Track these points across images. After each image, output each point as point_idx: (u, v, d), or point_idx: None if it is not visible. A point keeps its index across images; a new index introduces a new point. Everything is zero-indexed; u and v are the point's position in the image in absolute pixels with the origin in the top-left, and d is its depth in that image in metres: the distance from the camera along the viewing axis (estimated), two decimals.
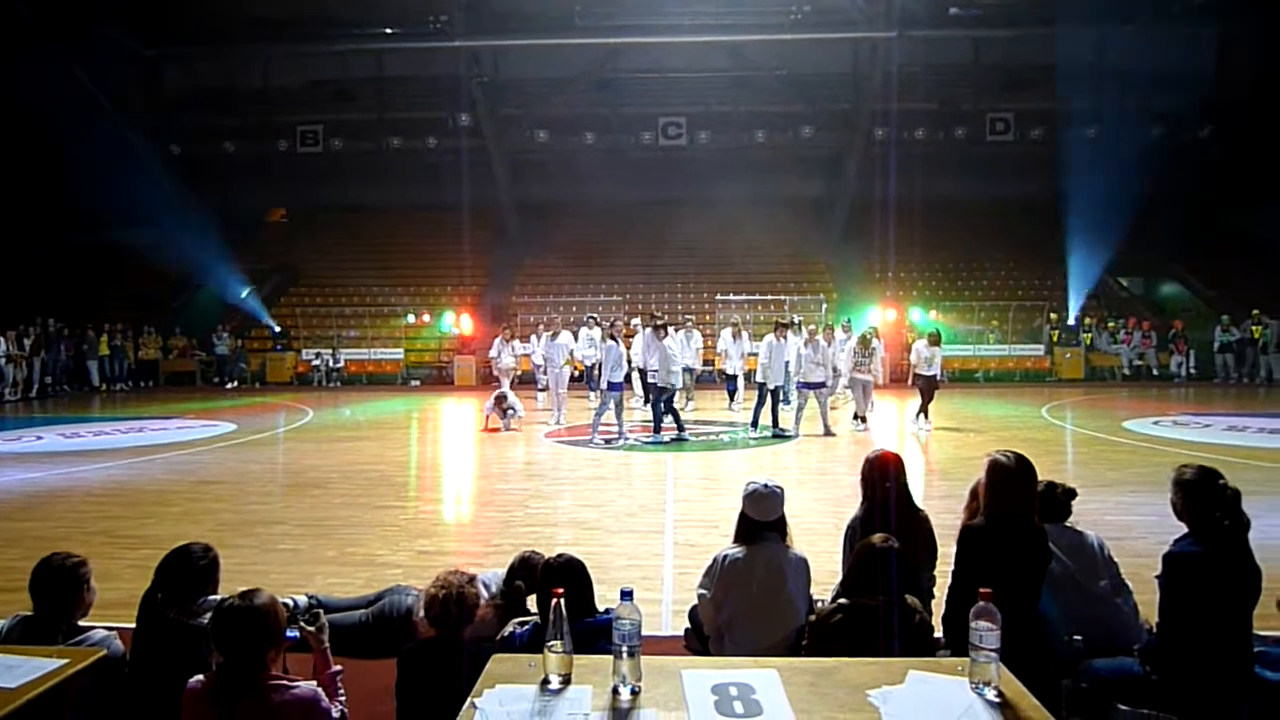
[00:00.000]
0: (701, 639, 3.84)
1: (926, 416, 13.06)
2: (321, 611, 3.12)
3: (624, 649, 2.36)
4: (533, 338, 17.53)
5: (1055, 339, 22.56)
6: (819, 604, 3.56)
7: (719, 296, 23.13)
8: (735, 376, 16.01)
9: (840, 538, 4.07)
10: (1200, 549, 3.07)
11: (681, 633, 4.37)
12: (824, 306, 22.84)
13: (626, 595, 2.39)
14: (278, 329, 24.21)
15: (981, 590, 2.39)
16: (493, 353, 17.32)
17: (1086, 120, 24.95)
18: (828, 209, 27.51)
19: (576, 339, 16.53)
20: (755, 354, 13.54)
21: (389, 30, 23.86)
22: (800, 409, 12.85)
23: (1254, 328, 20.62)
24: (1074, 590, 3.47)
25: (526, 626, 3.28)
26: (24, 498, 8.63)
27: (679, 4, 22.58)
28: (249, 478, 9.72)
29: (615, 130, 26.56)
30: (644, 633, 2.44)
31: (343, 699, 2.85)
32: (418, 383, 22.78)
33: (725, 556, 3.58)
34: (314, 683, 2.66)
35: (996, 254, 26.17)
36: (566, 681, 2.42)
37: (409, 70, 26.74)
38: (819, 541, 5.61)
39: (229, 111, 26.64)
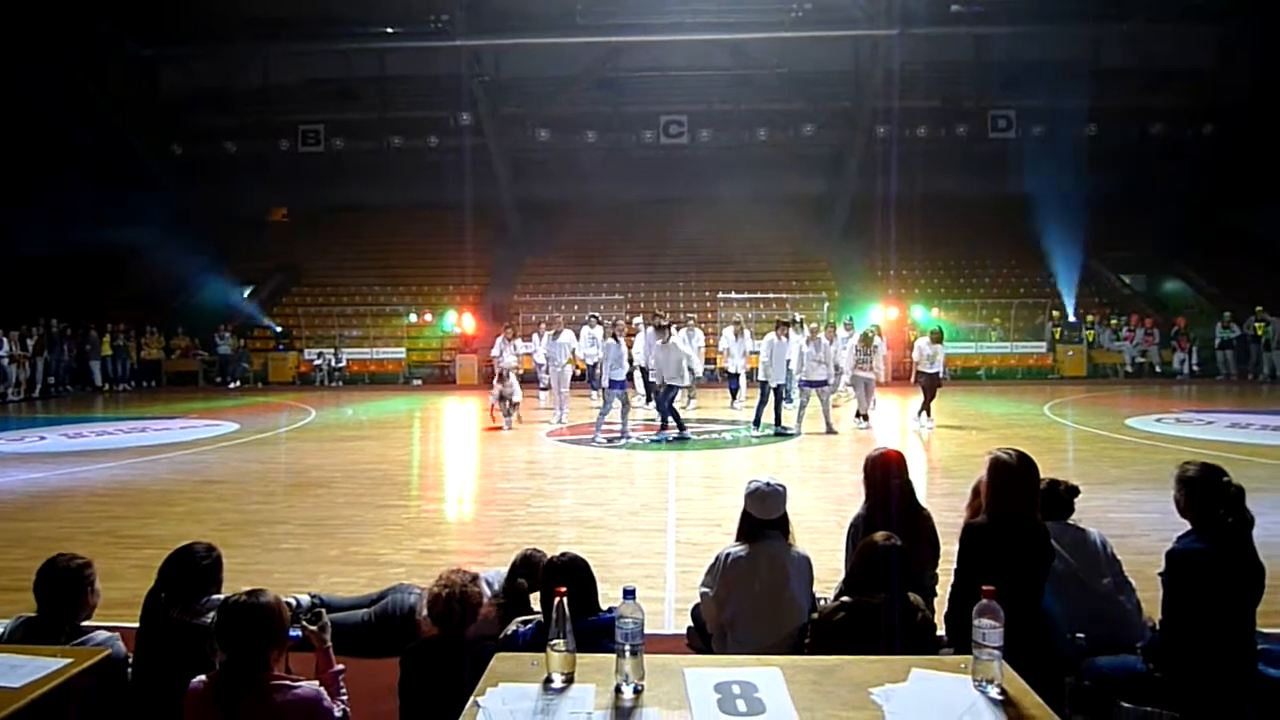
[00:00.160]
0: (704, 637, 3.84)
1: (929, 414, 13.06)
2: (324, 611, 3.12)
3: (627, 647, 2.36)
4: (534, 336, 17.52)
5: (1057, 336, 22.55)
6: (821, 602, 3.56)
7: (720, 295, 23.14)
8: (737, 375, 16.01)
9: (842, 536, 4.06)
10: (1203, 546, 3.07)
11: (684, 631, 4.37)
12: (825, 304, 22.85)
13: (629, 594, 2.39)
14: (278, 329, 24.22)
15: (984, 588, 2.39)
16: (494, 351, 17.30)
17: (1088, 118, 24.95)
18: (829, 207, 27.49)
19: (578, 338, 16.54)
20: (757, 352, 13.54)
21: (390, 29, 23.82)
22: (802, 407, 12.84)
23: (1256, 325, 20.59)
24: (1077, 588, 3.47)
25: (529, 625, 3.29)
26: (27, 498, 8.64)
27: (680, 2, 22.55)
28: (252, 477, 9.73)
29: (617, 129, 26.54)
30: (647, 631, 2.44)
31: (345, 698, 2.85)
32: (420, 382, 22.80)
33: (728, 555, 3.58)
34: (316, 682, 2.66)
35: (998, 251, 26.14)
36: (569, 680, 2.42)
37: (410, 69, 26.72)
38: (821, 540, 5.61)
39: (229, 111, 26.65)
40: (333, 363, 22.57)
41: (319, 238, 28.45)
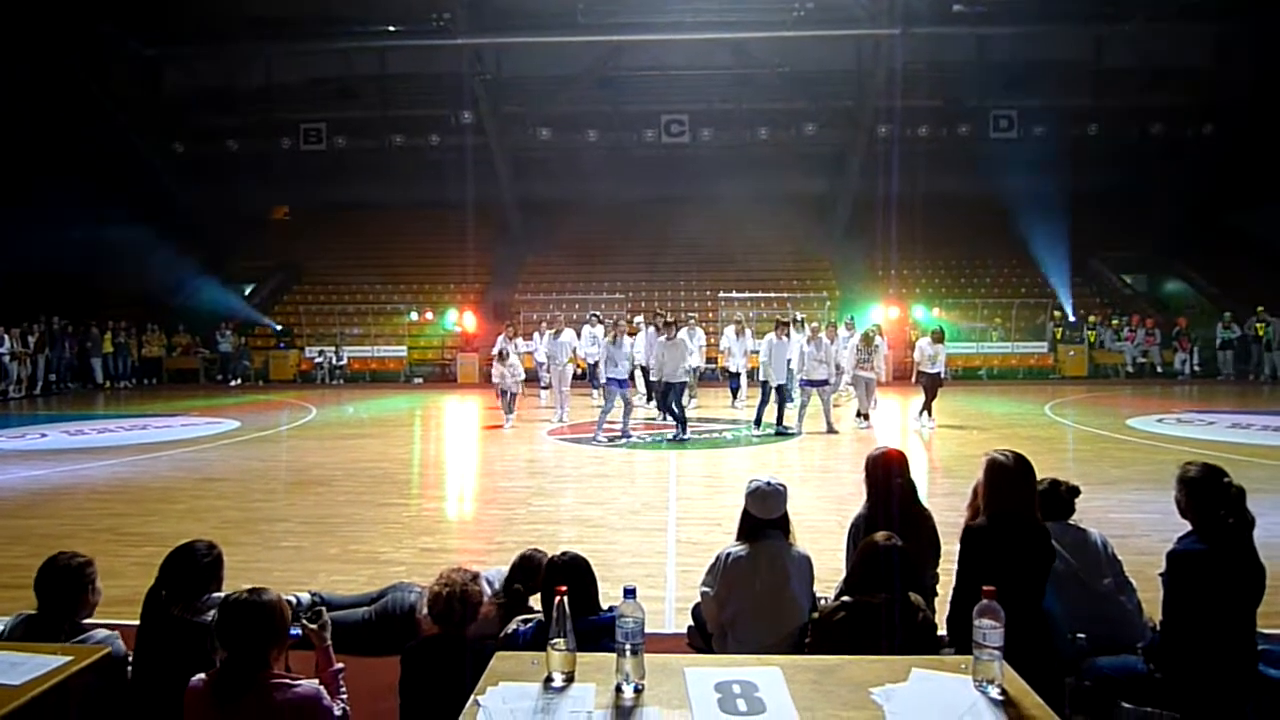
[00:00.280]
0: (704, 637, 3.84)
1: (930, 414, 13.06)
2: (324, 609, 3.12)
3: (627, 647, 2.36)
4: (535, 335, 17.52)
5: (1059, 336, 22.54)
6: (822, 602, 3.56)
7: (722, 294, 23.14)
8: (738, 374, 16.00)
9: (843, 535, 4.06)
10: (1204, 547, 3.07)
11: (684, 630, 4.37)
12: (827, 304, 22.85)
13: (629, 593, 2.39)
14: (278, 328, 24.23)
15: (985, 588, 2.39)
16: (495, 350, 17.29)
17: (1088, 117, 24.94)
18: (830, 206, 27.47)
19: (579, 337, 16.54)
20: (758, 352, 13.54)
21: (391, 28, 23.80)
22: (803, 406, 12.84)
23: (1257, 325, 20.58)
24: (1077, 588, 3.47)
25: (530, 624, 3.28)
26: (28, 495, 8.65)
27: (682, 1, 22.53)
28: (252, 475, 9.73)
29: (618, 128, 26.53)
30: (647, 630, 2.44)
31: (345, 697, 2.85)
32: (421, 380, 22.81)
33: (728, 554, 3.58)
34: (316, 681, 2.67)
35: (1000, 251, 26.12)
36: (570, 679, 2.42)
37: (412, 68, 26.70)
38: (822, 539, 5.61)
39: (231, 110, 26.64)
40: (334, 361, 22.57)
41: (321, 236, 28.45)
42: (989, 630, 2.36)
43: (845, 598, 3.17)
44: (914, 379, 13.74)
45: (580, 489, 8.82)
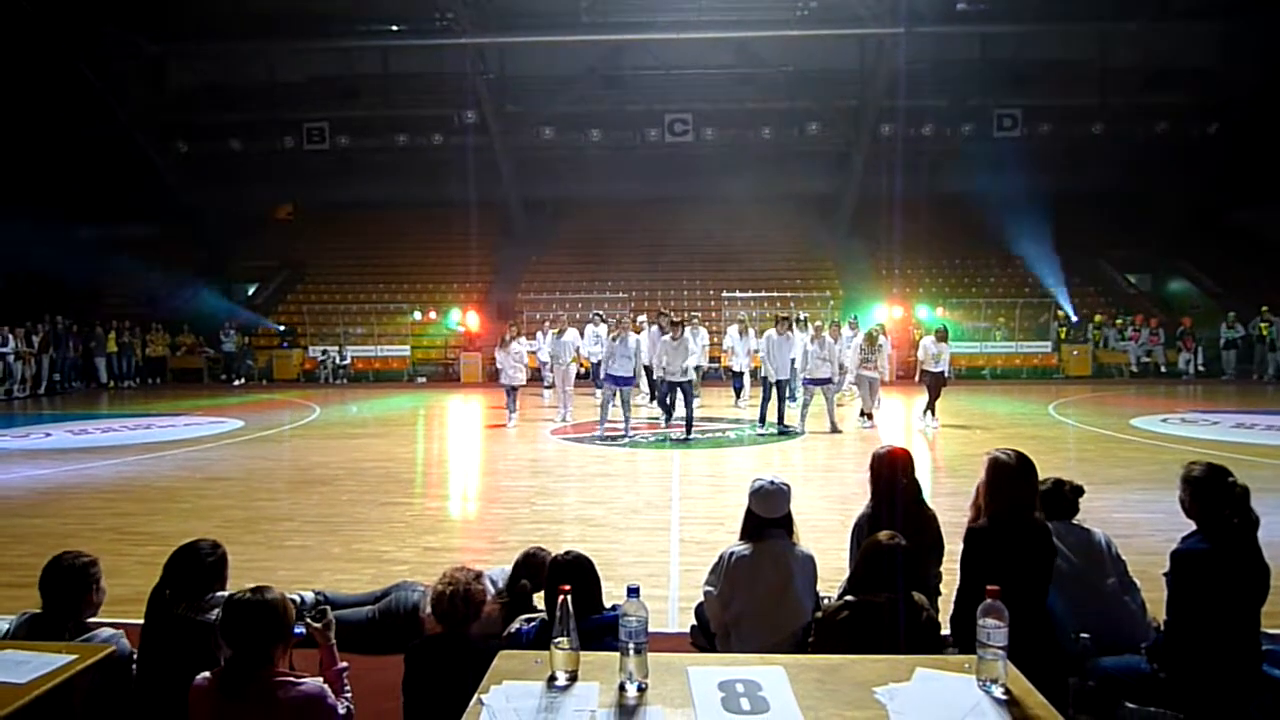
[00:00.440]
0: (708, 636, 3.85)
1: (933, 413, 13.04)
2: (328, 608, 3.12)
3: (630, 646, 2.36)
4: (539, 335, 17.53)
5: (1063, 336, 22.50)
6: (825, 601, 3.56)
7: (725, 293, 23.14)
8: (741, 374, 16.00)
9: (846, 534, 4.06)
10: (1208, 546, 3.06)
11: (688, 630, 4.37)
12: (830, 303, 22.83)
13: (633, 592, 2.39)
14: (281, 328, 24.26)
15: (989, 587, 2.39)
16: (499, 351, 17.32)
17: (1093, 117, 24.89)
18: (834, 205, 27.43)
19: (583, 336, 16.54)
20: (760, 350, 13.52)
21: (395, 27, 23.82)
22: (806, 405, 12.83)
23: (1262, 325, 20.53)
24: (1081, 588, 3.46)
25: (533, 623, 3.29)
26: (33, 494, 8.67)
27: (685, 0, 22.54)
28: (256, 474, 9.74)
29: (621, 127, 26.50)
30: (650, 629, 2.44)
31: (349, 695, 2.85)
32: (424, 380, 22.83)
33: (732, 554, 3.58)
34: (320, 679, 2.67)
35: (1003, 250, 26.07)
36: (573, 678, 2.42)
37: (415, 67, 26.70)
38: (825, 538, 5.60)
39: (235, 108, 26.65)
40: (337, 360, 22.59)
41: (324, 235, 28.49)
42: (993, 630, 2.35)
43: (849, 597, 3.18)
44: (917, 378, 13.73)
45: (583, 488, 8.82)
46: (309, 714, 2.52)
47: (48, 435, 13.08)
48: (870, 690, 2.37)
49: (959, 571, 3.29)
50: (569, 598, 2.43)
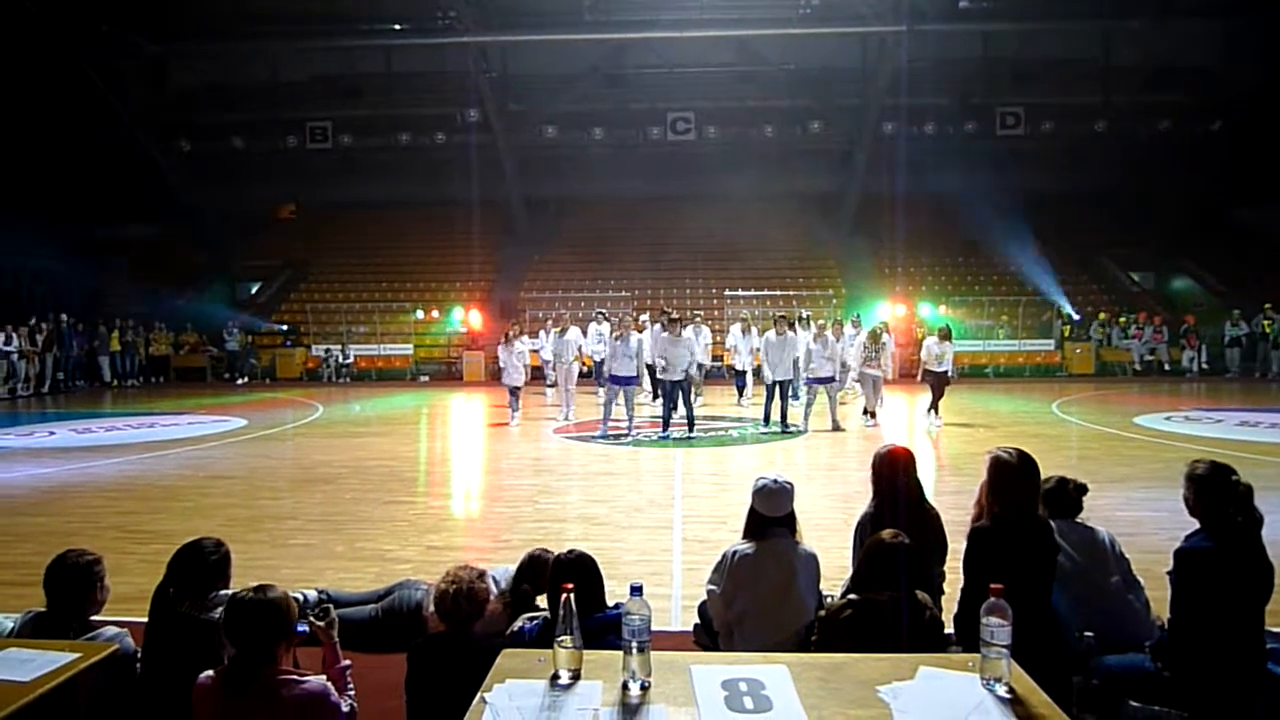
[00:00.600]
0: (711, 634, 3.85)
1: (937, 412, 13.03)
2: (331, 606, 3.13)
3: (634, 644, 2.36)
4: (541, 333, 17.53)
5: (1066, 334, 22.47)
6: (829, 599, 3.55)
7: (727, 292, 23.14)
8: (744, 372, 15.99)
9: (850, 533, 4.06)
10: (1212, 545, 3.06)
11: (691, 628, 4.37)
12: (833, 301, 22.81)
13: (636, 590, 2.39)
14: (283, 327, 24.28)
15: (992, 586, 2.39)
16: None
17: (1095, 115, 24.85)
18: (837, 204, 27.40)
19: (585, 335, 16.55)
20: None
21: (397, 25, 23.82)
22: (809, 404, 12.83)
23: (1265, 322, 20.49)
24: (1085, 586, 3.45)
25: (536, 621, 3.29)
26: (36, 493, 8.68)
27: None
28: (259, 473, 9.76)
29: (623, 125, 26.51)
30: (653, 628, 2.44)
31: (352, 693, 2.86)
32: (427, 378, 22.84)
33: (735, 552, 3.58)
34: (324, 677, 2.67)
35: (1006, 248, 26.00)
36: (576, 676, 2.42)
37: (417, 66, 26.70)
38: (828, 537, 5.60)
39: (237, 108, 26.68)
40: (340, 359, 22.60)
41: (327, 234, 28.49)
42: (996, 628, 2.35)
43: (852, 595, 3.17)
44: (920, 377, 13.72)
45: (586, 487, 8.82)
46: (312, 712, 2.52)
47: (51, 434, 13.11)
48: (874, 689, 2.36)
49: (962, 570, 3.28)
50: (572, 596, 2.43)
